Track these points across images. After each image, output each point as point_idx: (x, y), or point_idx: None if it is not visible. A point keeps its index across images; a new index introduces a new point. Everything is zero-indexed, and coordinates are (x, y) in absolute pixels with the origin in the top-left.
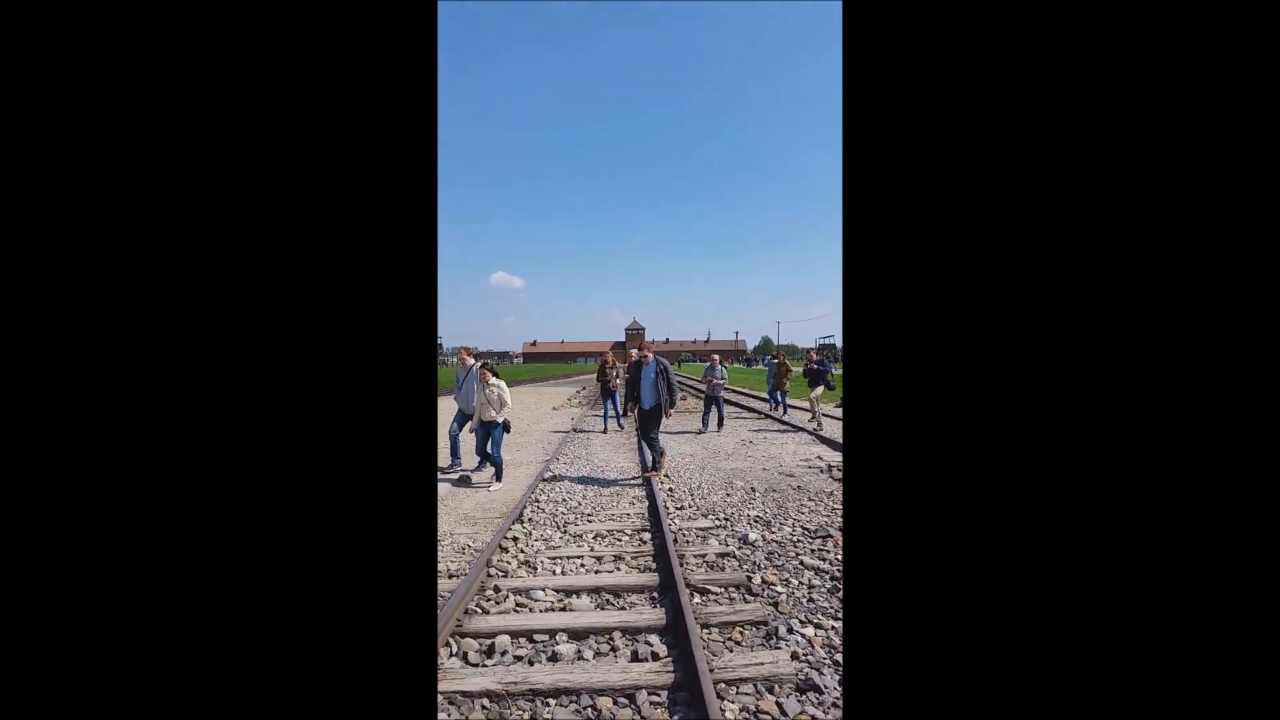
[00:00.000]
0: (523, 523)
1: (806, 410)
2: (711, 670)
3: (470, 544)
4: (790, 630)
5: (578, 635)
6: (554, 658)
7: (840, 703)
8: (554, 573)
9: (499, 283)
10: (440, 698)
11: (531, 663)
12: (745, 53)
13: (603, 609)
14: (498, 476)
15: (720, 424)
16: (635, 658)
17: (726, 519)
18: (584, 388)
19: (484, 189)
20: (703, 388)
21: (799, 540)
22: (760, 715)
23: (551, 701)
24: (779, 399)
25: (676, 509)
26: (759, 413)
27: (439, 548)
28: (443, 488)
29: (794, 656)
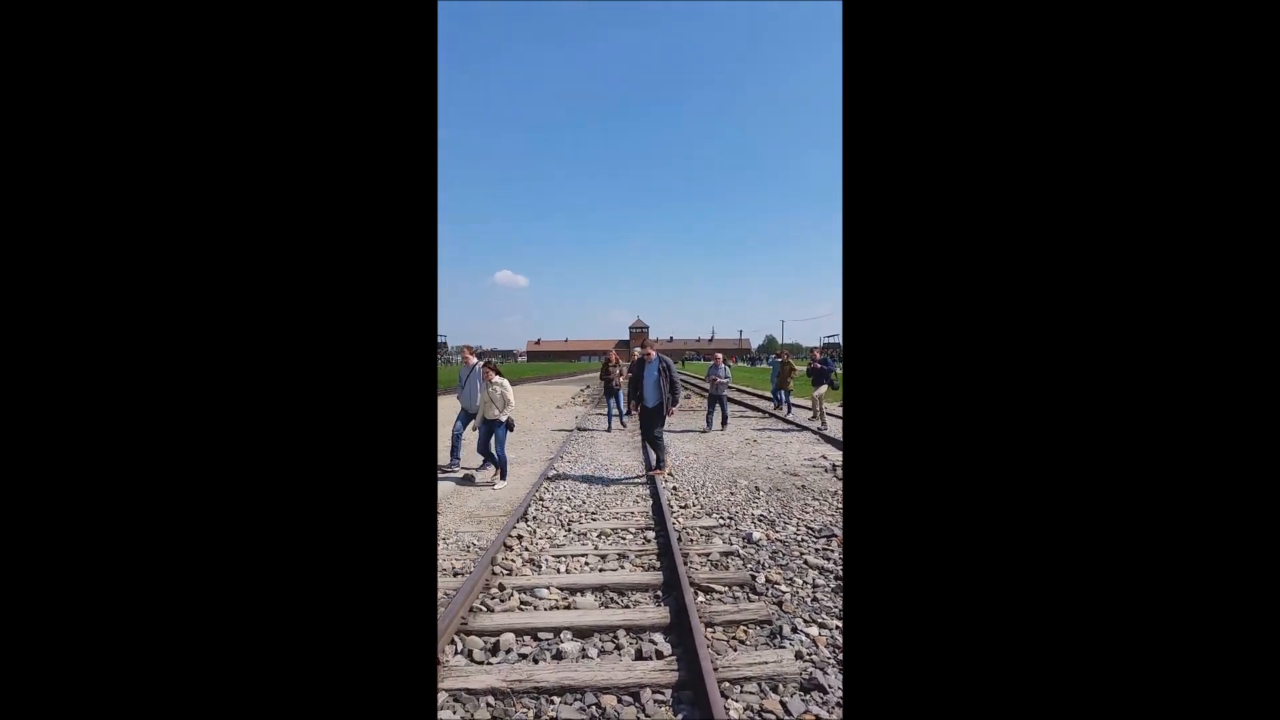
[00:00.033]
0: (527, 521)
1: (809, 409)
2: (716, 669)
3: (475, 542)
4: (794, 629)
5: (582, 633)
6: (558, 656)
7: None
8: (558, 571)
9: (504, 281)
10: (446, 695)
11: (536, 661)
12: (745, 53)
13: (607, 607)
14: (502, 475)
15: (724, 423)
16: (639, 656)
17: (730, 518)
18: (588, 386)
19: (484, 189)
20: (706, 386)
21: (803, 539)
22: (764, 714)
23: (556, 699)
24: (783, 398)
25: (680, 508)
26: (763, 411)
27: (444, 546)
28: (447, 486)
29: (798, 656)
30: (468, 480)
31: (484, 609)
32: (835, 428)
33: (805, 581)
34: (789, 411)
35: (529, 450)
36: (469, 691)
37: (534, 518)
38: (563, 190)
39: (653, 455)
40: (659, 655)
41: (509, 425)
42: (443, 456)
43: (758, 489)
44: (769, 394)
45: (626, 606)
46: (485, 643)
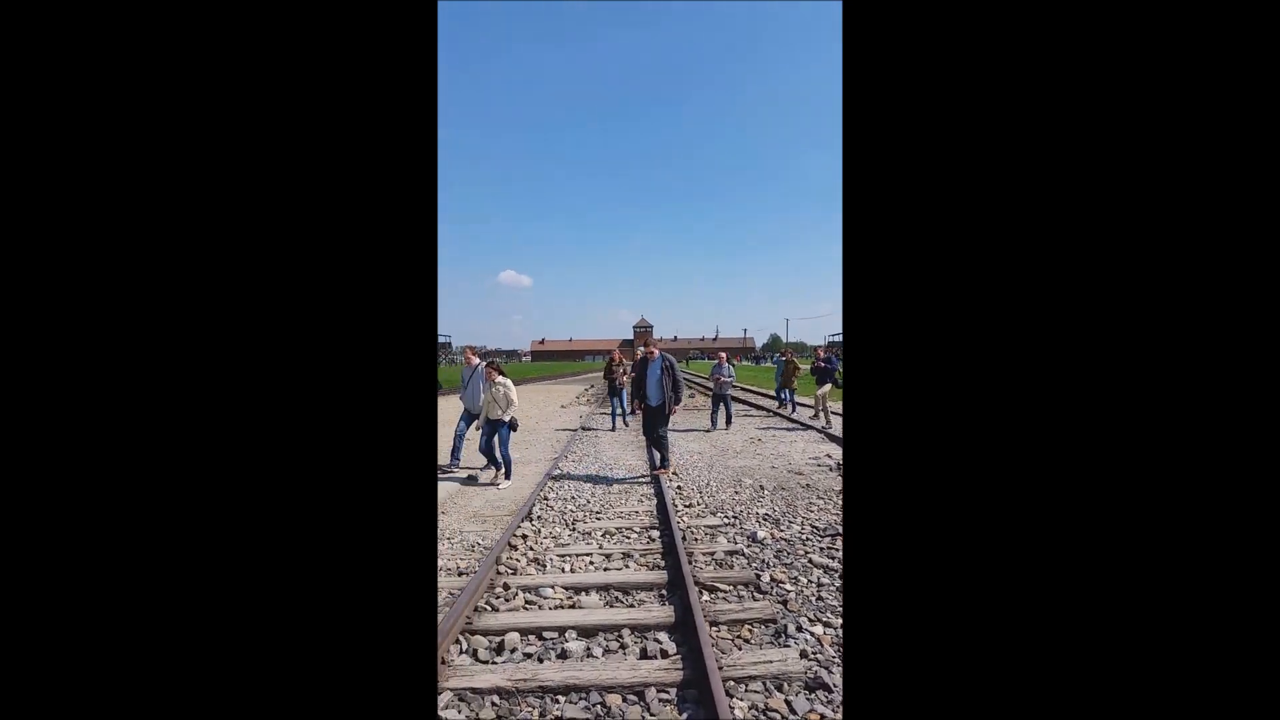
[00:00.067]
0: (531, 520)
1: (811, 408)
2: (720, 668)
3: (480, 542)
4: (799, 628)
5: (587, 632)
6: (563, 655)
7: None
8: (563, 570)
9: (508, 281)
10: (450, 694)
11: (541, 660)
12: (745, 53)
13: (611, 606)
14: (506, 475)
15: (728, 422)
16: (644, 655)
17: (735, 517)
18: (592, 385)
19: (484, 189)
20: (710, 385)
21: (808, 538)
22: (769, 713)
23: (561, 698)
24: (787, 397)
25: (685, 507)
26: (767, 410)
27: (449, 545)
28: (452, 486)
29: (803, 654)
30: (471, 480)
31: (489, 608)
32: (839, 427)
33: (810, 580)
34: (794, 410)
35: (533, 450)
36: (474, 691)
37: (539, 517)
38: (563, 190)
39: (656, 455)
40: (664, 654)
41: (513, 425)
42: (443, 456)
43: (762, 488)
44: (773, 393)
45: (631, 605)
46: (490, 642)
